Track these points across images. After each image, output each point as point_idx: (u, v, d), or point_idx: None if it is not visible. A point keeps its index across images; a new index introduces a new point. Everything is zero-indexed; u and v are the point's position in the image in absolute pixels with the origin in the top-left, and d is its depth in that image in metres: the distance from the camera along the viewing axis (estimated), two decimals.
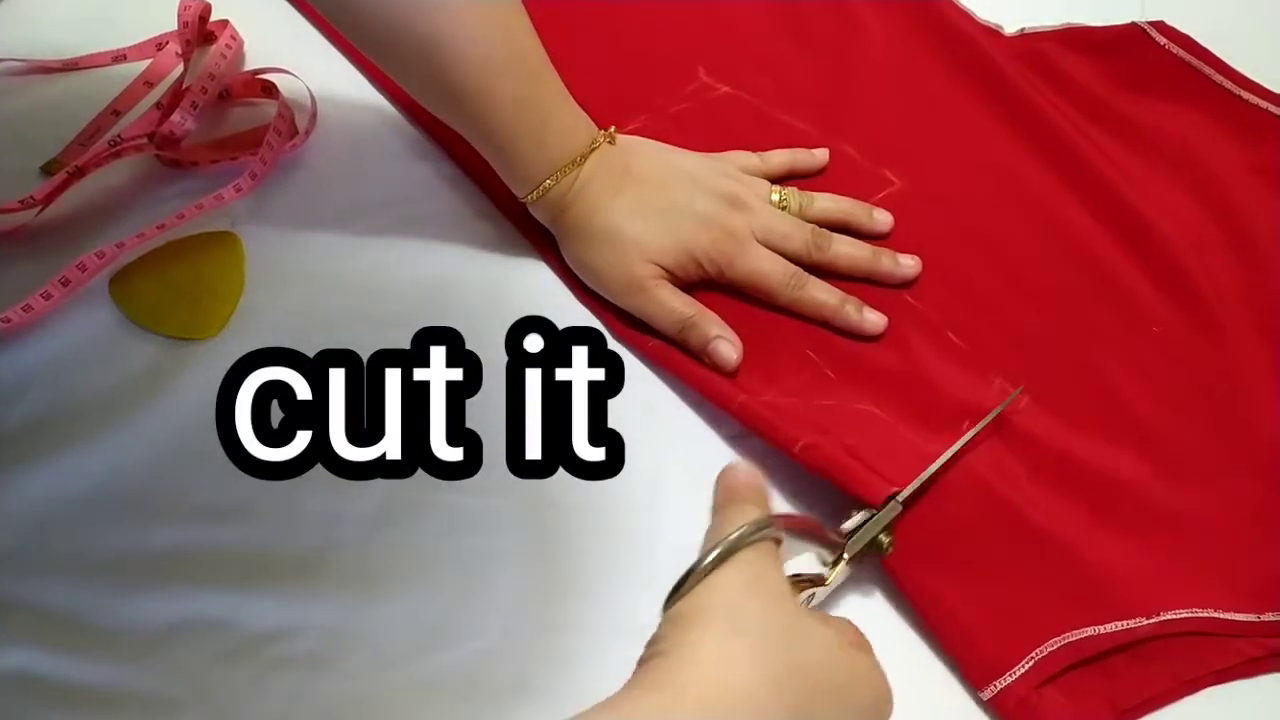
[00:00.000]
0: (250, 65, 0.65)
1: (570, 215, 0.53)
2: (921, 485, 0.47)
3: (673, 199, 0.54)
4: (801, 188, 0.58)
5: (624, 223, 0.53)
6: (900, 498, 0.45)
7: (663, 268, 0.53)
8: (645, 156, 0.56)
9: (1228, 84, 0.63)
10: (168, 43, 0.64)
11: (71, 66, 0.64)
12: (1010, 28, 0.68)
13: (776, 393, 0.51)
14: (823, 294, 0.54)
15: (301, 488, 0.47)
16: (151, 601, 0.45)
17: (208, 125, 0.61)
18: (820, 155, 0.60)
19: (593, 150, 0.53)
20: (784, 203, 0.56)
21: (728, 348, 0.52)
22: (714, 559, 0.36)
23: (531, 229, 0.57)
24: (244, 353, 0.51)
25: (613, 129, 0.55)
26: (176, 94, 0.61)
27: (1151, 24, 0.65)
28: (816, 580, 0.43)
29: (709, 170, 0.56)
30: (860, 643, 0.38)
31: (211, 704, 0.43)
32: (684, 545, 0.46)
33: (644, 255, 0.53)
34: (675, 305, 0.52)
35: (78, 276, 0.53)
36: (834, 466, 0.47)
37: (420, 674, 0.44)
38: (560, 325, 0.49)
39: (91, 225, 0.57)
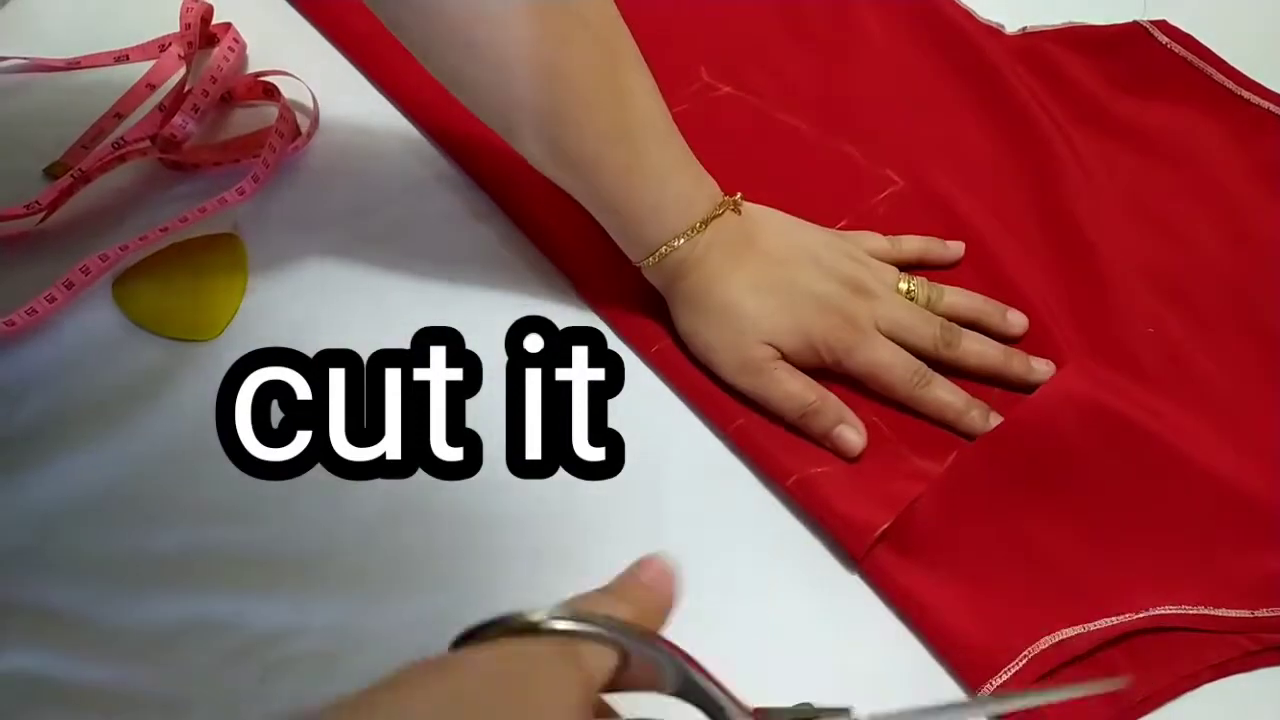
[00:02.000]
0: (253, 68, 0.65)
1: (687, 284, 0.51)
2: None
3: (794, 277, 0.51)
4: (809, 178, 0.57)
5: (742, 298, 0.50)
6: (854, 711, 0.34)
7: (779, 349, 0.50)
8: (770, 228, 0.53)
9: (1229, 83, 0.63)
10: (170, 44, 0.64)
11: (74, 66, 0.64)
12: (1011, 26, 0.68)
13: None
14: (948, 395, 0.50)
15: (304, 489, 0.48)
16: (155, 602, 0.46)
17: (210, 128, 0.61)
18: (955, 248, 0.57)
19: (714, 218, 0.50)
20: (912, 294, 0.53)
21: (852, 435, 0.49)
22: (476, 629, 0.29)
23: (531, 229, 0.57)
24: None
25: (739, 195, 0.52)
26: (178, 96, 0.61)
27: (1153, 23, 0.65)
28: None
29: (835, 250, 0.53)
30: None
31: (215, 705, 0.43)
32: (685, 545, 0.47)
33: (761, 335, 0.50)
34: (795, 389, 0.49)
35: (81, 279, 0.53)
36: (820, 509, 0.47)
37: None
38: (560, 325, 0.49)
39: (95, 228, 0.57)
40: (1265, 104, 0.63)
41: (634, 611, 0.31)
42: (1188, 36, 0.64)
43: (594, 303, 0.55)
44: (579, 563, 0.46)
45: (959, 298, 0.54)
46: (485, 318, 0.52)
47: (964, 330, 0.52)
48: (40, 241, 0.56)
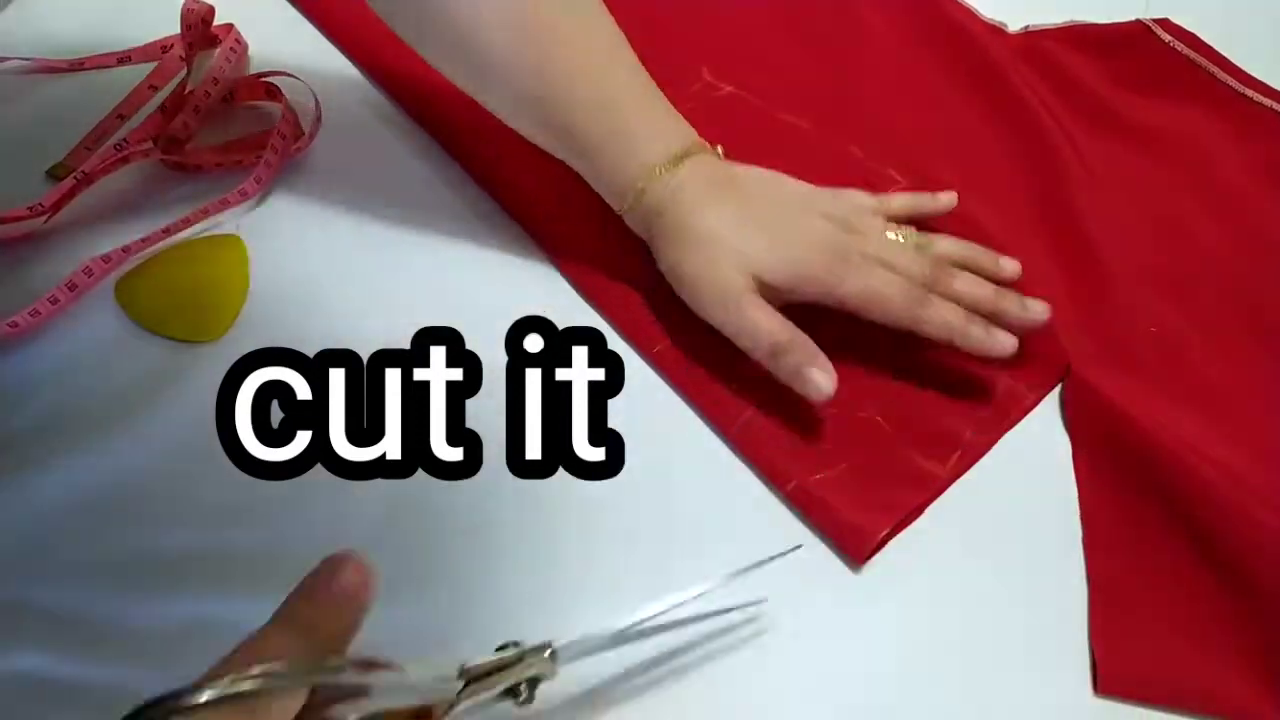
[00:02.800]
0: (254, 68, 0.65)
1: (665, 220, 0.50)
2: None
3: (781, 215, 0.50)
4: (812, 177, 0.57)
5: (723, 228, 0.49)
6: (547, 653, 0.37)
7: (762, 283, 0.49)
8: (753, 174, 0.53)
9: (1232, 82, 0.63)
10: (172, 45, 0.64)
11: (77, 67, 0.64)
12: (1014, 25, 0.68)
13: (778, 402, 0.50)
14: (949, 312, 0.49)
15: (305, 489, 0.48)
16: (156, 603, 0.46)
17: (212, 128, 0.61)
18: (946, 199, 0.55)
19: (689, 155, 0.50)
20: (901, 240, 0.53)
21: (822, 378, 0.47)
22: None
23: (533, 228, 0.57)
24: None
25: (719, 148, 0.52)
26: (180, 97, 0.61)
27: (1156, 21, 0.65)
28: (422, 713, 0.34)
29: (821, 196, 0.53)
30: None
31: None
32: (685, 545, 0.47)
33: (742, 265, 0.48)
34: (768, 324, 0.48)
35: (84, 281, 0.53)
36: (819, 514, 0.48)
37: None
38: (560, 325, 0.49)
39: (97, 230, 0.57)
40: (1268, 102, 0.63)
41: (307, 639, 0.30)
42: (1191, 35, 0.64)
43: (595, 303, 0.55)
44: (579, 562, 0.47)
45: (949, 244, 0.53)
46: (485, 318, 0.51)
47: (956, 270, 0.51)
48: (43, 243, 0.56)
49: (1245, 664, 0.44)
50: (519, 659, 0.36)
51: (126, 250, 0.55)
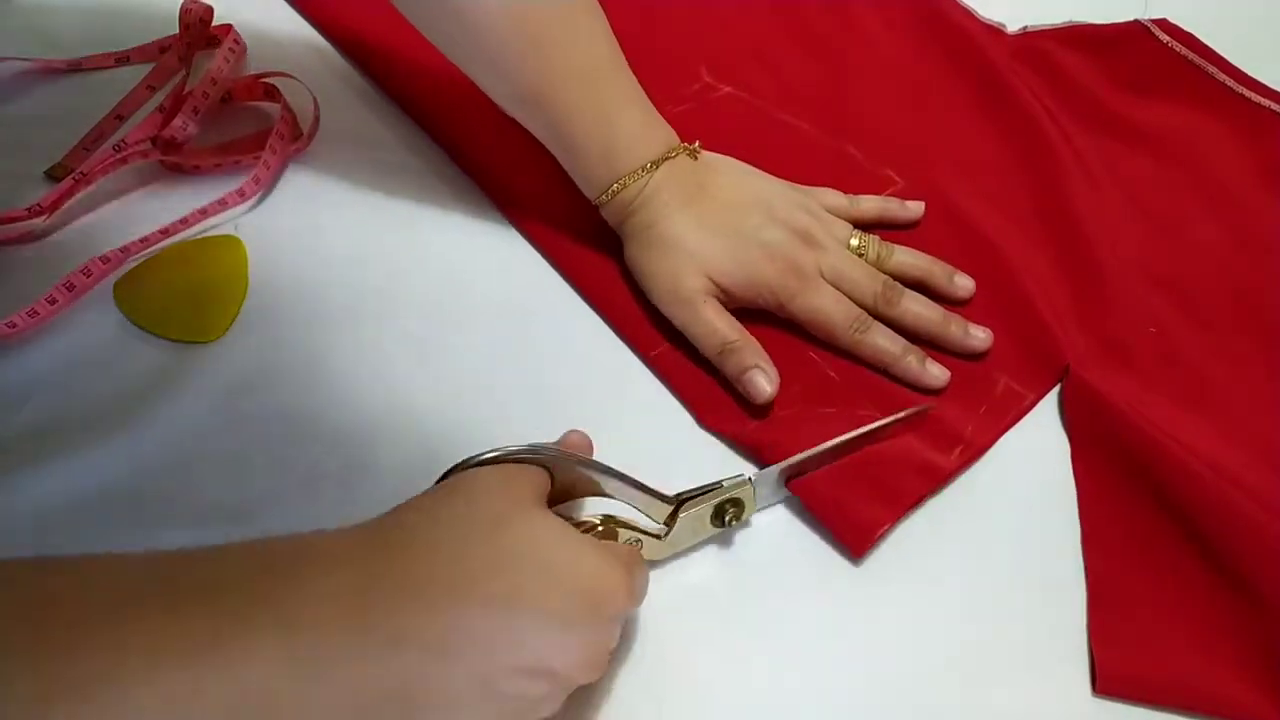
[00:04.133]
0: (253, 69, 0.65)
1: (636, 220, 0.53)
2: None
3: (742, 223, 0.52)
4: (810, 178, 0.57)
5: (686, 234, 0.52)
6: (752, 476, 0.46)
7: (718, 286, 0.52)
8: (725, 176, 0.54)
9: (1230, 82, 0.63)
10: (171, 46, 0.64)
11: (75, 67, 0.64)
12: (1012, 26, 0.68)
13: (777, 403, 0.50)
14: (885, 341, 0.52)
15: (306, 490, 0.48)
16: None
17: (211, 129, 0.61)
18: (915, 208, 0.58)
19: (666, 159, 0.52)
20: (862, 249, 0.54)
21: (763, 380, 0.49)
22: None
23: (531, 231, 0.57)
24: (247, 355, 0.52)
25: (697, 144, 0.54)
26: (179, 98, 0.61)
27: (1154, 21, 0.65)
28: (648, 533, 0.44)
29: (789, 202, 0.54)
30: (609, 556, 0.38)
31: None
32: (689, 545, 0.47)
33: (699, 269, 0.51)
34: (719, 326, 0.51)
35: (83, 281, 0.53)
36: (820, 506, 0.48)
37: None
38: (561, 325, 0.49)
39: (96, 230, 0.57)
40: (1266, 102, 0.63)
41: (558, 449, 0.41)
42: (1188, 35, 0.65)
43: (595, 305, 0.55)
44: None
45: (908, 256, 0.55)
46: (485, 318, 0.52)
47: (906, 290, 0.53)
48: (42, 244, 0.56)
49: (1243, 663, 0.44)
50: (720, 485, 0.45)
51: (125, 251, 0.55)
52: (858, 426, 0.49)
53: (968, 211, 0.58)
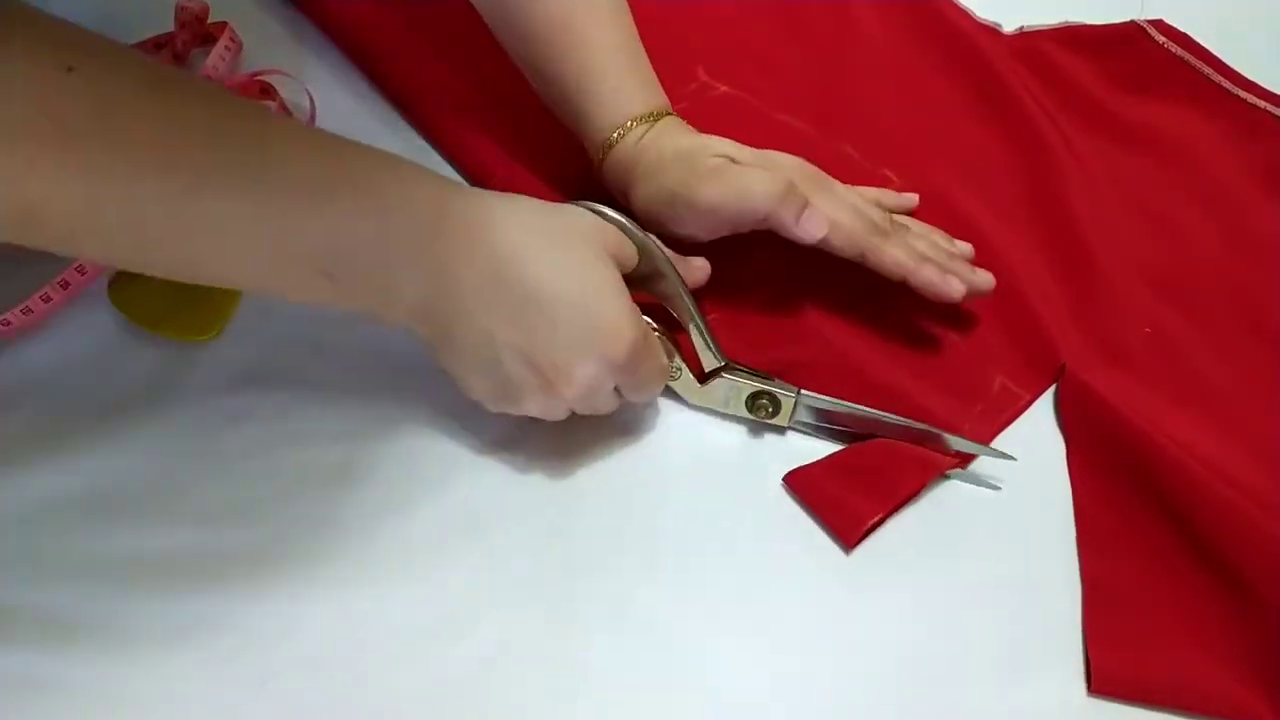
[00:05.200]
0: (249, 67, 0.64)
1: (643, 164, 0.52)
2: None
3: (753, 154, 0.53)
4: None
5: (707, 141, 0.52)
6: (800, 391, 0.49)
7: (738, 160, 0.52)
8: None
9: (1226, 83, 0.64)
10: (167, 43, 0.64)
11: None
12: (1009, 26, 0.68)
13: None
14: (903, 251, 0.51)
15: (305, 490, 0.48)
16: (152, 604, 0.45)
17: None
18: (910, 199, 0.58)
19: (662, 118, 0.53)
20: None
21: (822, 216, 0.49)
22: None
23: None
24: (244, 354, 0.52)
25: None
26: None
27: (1150, 22, 0.65)
28: (685, 366, 0.49)
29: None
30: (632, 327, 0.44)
31: (215, 706, 0.43)
32: (687, 543, 0.47)
33: (719, 150, 0.51)
34: (763, 174, 0.50)
35: (77, 279, 0.53)
36: (813, 496, 0.48)
37: (424, 673, 0.44)
38: None
39: None
40: (1262, 103, 0.63)
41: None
42: (1185, 36, 0.65)
43: None
44: (581, 560, 0.47)
45: (908, 219, 0.55)
46: None
47: (911, 229, 0.54)
48: None
49: (1238, 663, 0.44)
50: (770, 379, 0.49)
51: None
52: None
53: (965, 211, 0.58)
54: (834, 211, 0.51)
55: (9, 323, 0.51)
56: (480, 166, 0.59)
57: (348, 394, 0.51)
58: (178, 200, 0.36)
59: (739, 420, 0.51)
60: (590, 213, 0.46)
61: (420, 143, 0.61)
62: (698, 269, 0.52)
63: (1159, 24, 0.65)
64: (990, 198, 0.60)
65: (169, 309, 0.54)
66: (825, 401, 0.49)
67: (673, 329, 0.49)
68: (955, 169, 0.61)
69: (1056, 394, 0.53)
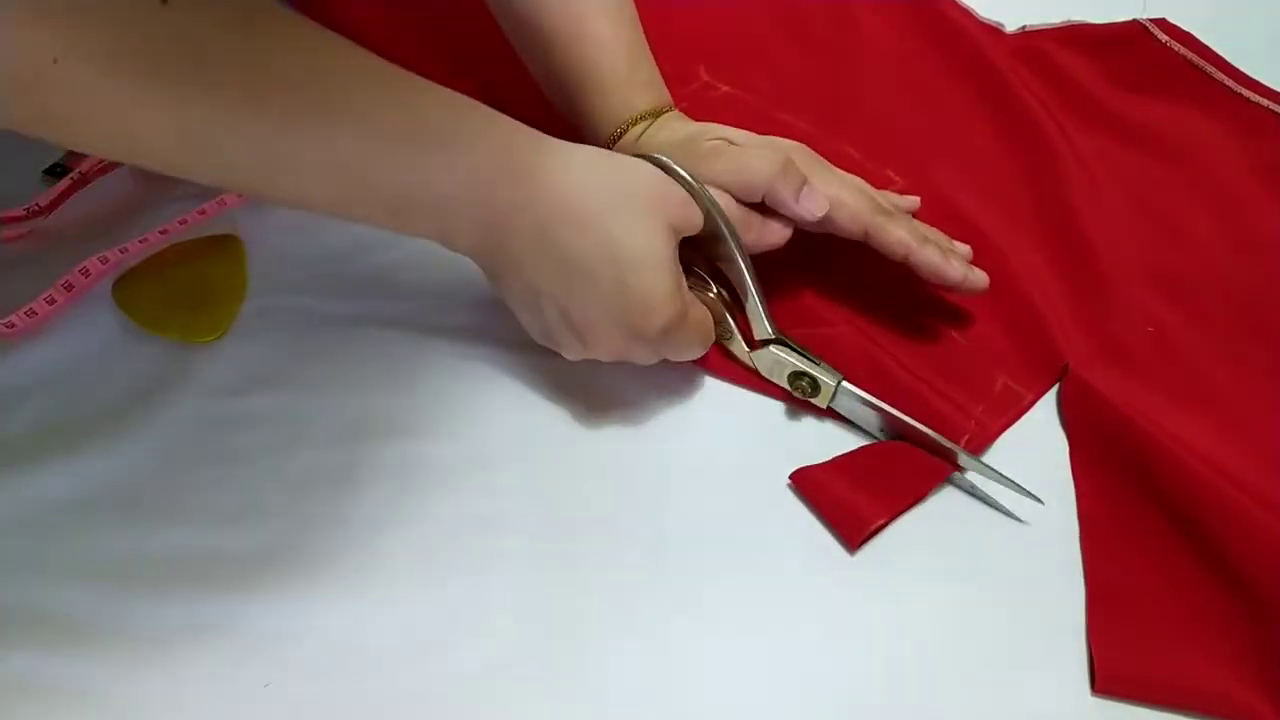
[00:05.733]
0: None
1: (656, 144, 0.53)
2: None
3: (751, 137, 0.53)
4: None
5: (705, 127, 0.53)
6: (843, 379, 0.49)
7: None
8: None
9: (1229, 82, 0.63)
10: None
11: None
12: (1011, 25, 0.68)
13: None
14: (906, 230, 0.51)
15: (305, 490, 0.48)
16: (156, 604, 0.45)
17: None
18: (912, 201, 0.58)
19: (663, 113, 0.54)
20: None
21: (821, 195, 0.50)
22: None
23: None
24: (247, 356, 0.52)
25: None
26: None
27: (1153, 21, 0.65)
28: (737, 329, 0.51)
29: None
30: (679, 309, 0.45)
31: (217, 707, 0.43)
32: (688, 542, 0.47)
33: (717, 135, 0.52)
34: (762, 151, 0.50)
35: (81, 281, 0.53)
36: (816, 501, 0.48)
37: (427, 676, 0.44)
38: None
39: (95, 230, 0.57)
40: (1265, 102, 0.63)
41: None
42: (1188, 35, 0.65)
43: None
44: (584, 562, 0.47)
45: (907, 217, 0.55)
46: (484, 316, 0.52)
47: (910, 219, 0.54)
48: (40, 244, 0.56)
49: (1242, 663, 0.44)
50: (816, 363, 0.50)
51: (124, 251, 0.55)
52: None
53: (967, 211, 0.58)
54: (836, 190, 0.51)
55: (13, 325, 0.51)
56: None
57: (351, 396, 0.51)
58: (264, 142, 0.39)
59: (749, 414, 0.51)
60: (659, 169, 0.46)
61: None
62: (775, 232, 0.51)
63: (1161, 23, 0.65)
64: (992, 197, 0.59)
65: (172, 311, 0.54)
66: (863, 396, 0.49)
67: (732, 291, 0.50)
68: (957, 169, 0.61)
69: (1059, 394, 0.53)
